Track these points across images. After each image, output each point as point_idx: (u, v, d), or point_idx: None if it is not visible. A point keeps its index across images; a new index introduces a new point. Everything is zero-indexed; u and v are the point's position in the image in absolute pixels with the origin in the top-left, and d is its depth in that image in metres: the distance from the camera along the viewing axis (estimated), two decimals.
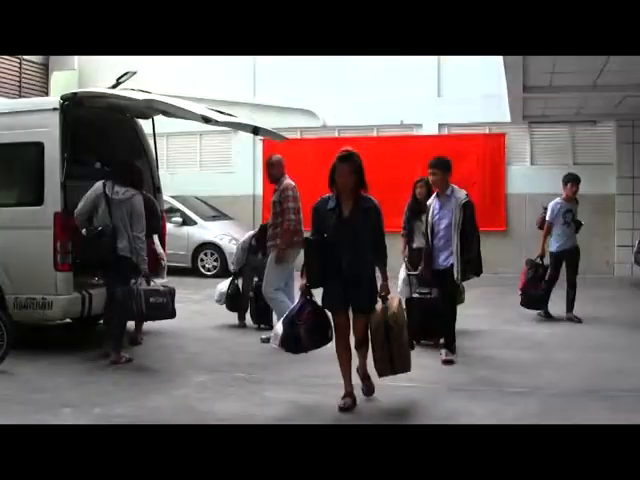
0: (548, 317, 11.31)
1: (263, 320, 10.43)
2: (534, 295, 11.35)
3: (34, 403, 6.70)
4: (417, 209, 9.93)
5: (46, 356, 8.60)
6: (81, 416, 6.28)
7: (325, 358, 8.42)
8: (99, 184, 8.60)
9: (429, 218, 8.62)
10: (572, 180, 11.47)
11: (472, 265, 8.44)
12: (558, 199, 11.51)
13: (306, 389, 7.29)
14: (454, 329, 8.56)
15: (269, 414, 6.27)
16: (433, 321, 8.79)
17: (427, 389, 7.22)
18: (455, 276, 8.28)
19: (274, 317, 9.79)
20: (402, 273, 10.16)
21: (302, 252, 9.35)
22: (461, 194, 8.42)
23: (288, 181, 9.41)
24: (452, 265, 8.30)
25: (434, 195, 8.73)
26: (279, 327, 6.97)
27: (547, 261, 11.55)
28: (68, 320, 9.70)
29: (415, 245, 9.95)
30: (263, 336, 9.41)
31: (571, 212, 11.37)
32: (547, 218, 11.48)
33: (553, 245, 11.48)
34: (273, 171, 9.56)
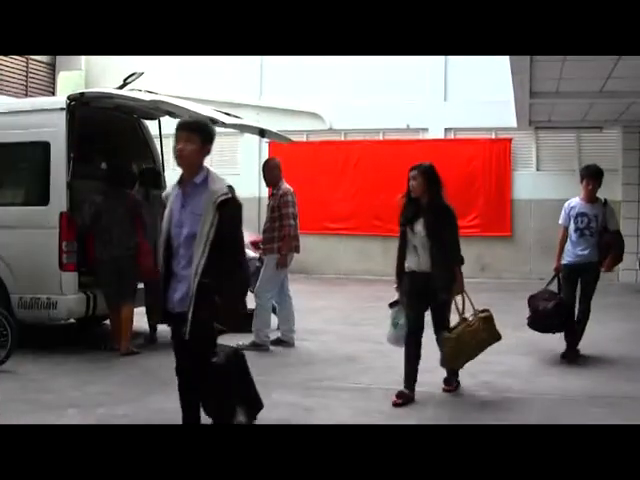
0: (571, 357, 8.80)
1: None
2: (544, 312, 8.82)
3: (39, 403, 6.71)
4: (411, 211, 7.26)
5: (50, 356, 8.61)
6: (85, 416, 6.28)
7: (330, 361, 8.45)
8: (142, 190, 9.52)
9: (164, 221, 5.22)
10: (587, 176, 8.99)
11: (229, 314, 4.99)
12: (575, 198, 9.18)
13: (311, 392, 7.28)
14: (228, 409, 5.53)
15: (274, 416, 6.26)
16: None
17: (429, 394, 7.20)
18: (185, 329, 4.96)
19: (277, 321, 9.83)
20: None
21: (296, 255, 9.48)
22: (219, 186, 5.04)
23: (286, 186, 9.39)
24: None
25: (176, 182, 5.33)
26: None
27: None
28: (72, 320, 9.71)
29: (407, 265, 7.27)
30: (240, 342, 9.41)
31: (585, 216, 8.88)
32: (560, 221, 9.21)
33: (564, 256, 9.07)
34: (271, 175, 9.53)
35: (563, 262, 9.02)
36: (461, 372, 8.12)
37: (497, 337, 7.18)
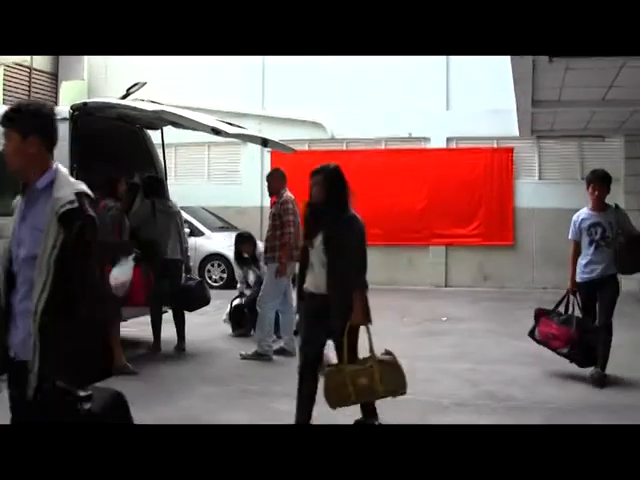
0: (602, 381, 8.01)
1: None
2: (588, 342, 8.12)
3: None
4: (312, 222, 6.13)
5: None
6: None
7: None
8: (149, 202, 9.67)
9: (11, 234, 3.82)
10: (593, 180, 8.30)
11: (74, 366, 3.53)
12: (583, 209, 8.49)
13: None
14: None
15: None
16: None
17: (431, 403, 7.20)
18: (28, 388, 3.52)
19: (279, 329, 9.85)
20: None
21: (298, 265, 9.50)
22: (65, 192, 3.59)
23: (288, 194, 9.41)
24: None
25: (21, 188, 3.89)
26: None
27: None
28: None
29: (305, 286, 6.11)
30: (242, 352, 9.42)
31: (599, 226, 8.17)
32: (569, 236, 8.51)
33: (577, 273, 8.35)
34: (275, 185, 9.58)
35: (579, 281, 8.30)
36: (464, 381, 8.12)
37: (398, 386, 5.86)
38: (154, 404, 7.09)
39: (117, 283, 8.30)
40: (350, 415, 6.31)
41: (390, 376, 5.81)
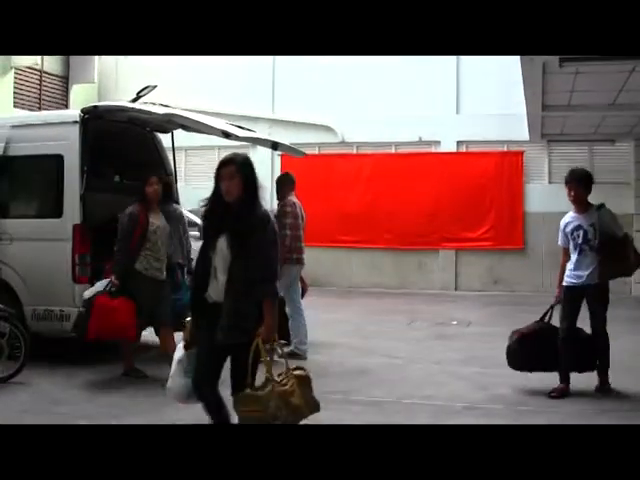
0: (561, 394, 7.54)
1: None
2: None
3: (51, 415, 6.71)
4: (217, 222, 5.07)
5: (62, 368, 8.61)
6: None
7: (342, 374, 8.41)
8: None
9: None
10: (570, 181, 8.11)
11: None
12: (569, 212, 8.17)
13: (323, 405, 7.21)
14: None
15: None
16: None
17: (442, 406, 7.18)
18: None
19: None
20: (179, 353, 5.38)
21: (307, 267, 9.48)
22: None
23: (290, 198, 9.51)
24: None
25: None
26: None
27: None
28: None
29: (208, 293, 5.07)
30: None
31: (581, 229, 7.76)
32: (558, 242, 8.26)
33: (565, 277, 7.93)
34: (282, 188, 9.77)
35: (564, 284, 7.85)
36: (474, 384, 8.10)
37: (315, 406, 5.22)
38: (164, 407, 7.08)
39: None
40: (354, 415, 6.31)
41: (309, 394, 5.15)
